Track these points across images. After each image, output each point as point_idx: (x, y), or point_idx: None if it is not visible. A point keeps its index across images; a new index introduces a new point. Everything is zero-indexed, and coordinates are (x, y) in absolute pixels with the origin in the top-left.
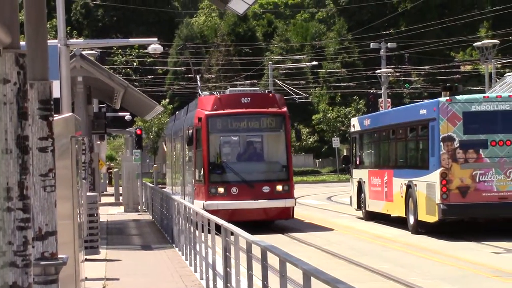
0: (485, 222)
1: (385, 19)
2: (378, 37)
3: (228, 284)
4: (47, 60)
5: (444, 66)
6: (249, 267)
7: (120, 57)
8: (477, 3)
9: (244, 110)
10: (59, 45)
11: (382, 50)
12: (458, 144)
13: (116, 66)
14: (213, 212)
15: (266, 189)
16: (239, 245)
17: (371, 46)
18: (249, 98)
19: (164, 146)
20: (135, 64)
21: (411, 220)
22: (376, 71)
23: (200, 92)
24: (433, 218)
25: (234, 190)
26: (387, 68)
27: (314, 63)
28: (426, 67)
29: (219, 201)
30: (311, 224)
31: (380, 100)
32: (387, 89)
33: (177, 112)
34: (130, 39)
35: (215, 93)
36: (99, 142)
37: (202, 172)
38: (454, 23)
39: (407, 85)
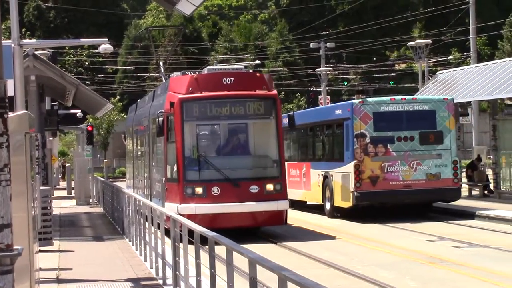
0: (392, 207)
1: (324, 20)
2: (317, 37)
3: (177, 273)
4: (1, 59)
5: (380, 64)
6: (197, 256)
7: (72, 56)
8: (410, 5)
9: (226, 92)
10: (12, 45)
11: (321, 50)
12: (369, 140)
13: (67, 65)
14: (189, 217)
15: (254, 189)
16: (187, 236)
17: (311, 46)
18: (232, 79)
19: (123, 140)
20: (86, 63)
21: (328, 206)
22: (316, 70)
23: (163, 79)
24: (347, 204)
25: (215, 190)
26: (326, 66)
27: (257, 62)
28: (363, 65)
29: (197, 204)
30: None
31: (320, 97)
32: (327, 86)
33: (139, 100)
34: (81, 40)
35: (188, 73)
36: (51, 138)
37: (175, 169)
38: (389, 24)
39: (345, 83)
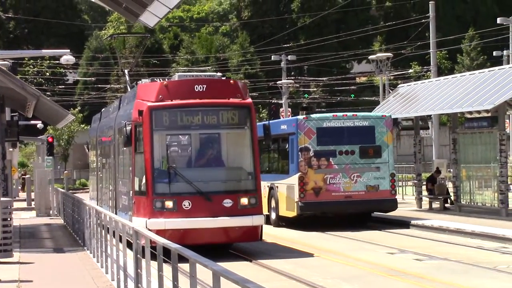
0: (334, 216)
1: (286, 33)
2: (279, 50)
3: (139, 285)
4: None
5: (340, 77)
6: (160, 269)
7: (32, 67)
8: (371, 19)
9: (198, 100)
10: None
11: (282, 62)
12: (313, 154)
13: (27, 76)
14: (159, 232)
15: (227, 202)
16: (149, 248)
17: (272, 58)
18: (205, 86)
19: (87, 150)
20: (47, 74)
21: (273, 216)
22: (278, 82)
23: (129, 88)
24: (292, 214)
25: (186, 204)
26: (287, 79)
27: (219, 74)
28: (324, 78)
29: (167, 219)
30: None
31: (281, 109)
32: (288, 99)
33: (103, 109)
34: (43, 50)
35: (157, 80)
36: (11, 149)
37: (144, 181)
38: (350, 37)
39: (306, 95)
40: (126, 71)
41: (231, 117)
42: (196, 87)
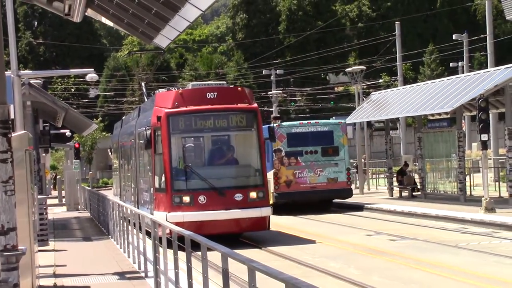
0: (302, 203)
1: (274, 51)
2: (269, 65)
3: (158, 266)
4: (5, 88)
5: (321, 87)
6: (175, 252)
7: (59, 84)
8: (346, 38)
9: (210, 106)
10: (12, 75)
11: (272, 76)
12: (284, 154)
13: (56, 92)
14: (178, 224)
15: (238, 196)
16: (165, 236)
17: (263, 73)
18: (215, 93)
19: (110, 153)
20: (72, 90)
21: None
22: (268, 93)
23: (145, 98)
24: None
25: (201, 199)
26: (276, 90)
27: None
28: (307, 88)
29: (185, 212)
30: None
31: (272, 116)
32: (277, 106)
33: (124, 117)
34: (71, 70)
35: (173, 89)
36: (44, 154)
37: (163, 179)
38: (329, 53)
39: (292, 103)
40: (143, 83)
41: (240, 120)
42: (208, 94)
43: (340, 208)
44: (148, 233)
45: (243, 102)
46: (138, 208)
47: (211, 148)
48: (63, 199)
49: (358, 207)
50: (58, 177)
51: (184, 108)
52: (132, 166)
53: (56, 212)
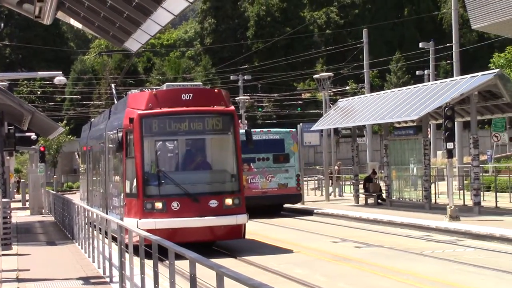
0: (253, 208)
1: (242, 57)
2: (236, 71)
3: (123, 272)
4: None
5: (289, 94)
6: (142, 257)
7: (25, 87)
8: (314, 44)
9: (185, 108)
10: None
11: (239, 81)
12: None
13: (21, 94)
14: (149, 231)
15: (213, 203)
16: (132, 240)
17: (231, 78)
18: (191, 95)
19: (77, 156)
20: (38, 93)
21: None
22: (236, 98)
23: (115, 100)
24: None
25: (174, 205)
26: (244, 95)
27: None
28: (275, 94)
29: (157, 219)
30: None
31: (239, 121)
32: (245, 112)
33: (92, 119)
34: (38, 72)
35: (146, 90)
36: (8, 157)
37: (134, 184)
38: (297, 60)
39: (260, 109)
40: (113, 85)
41: (216, 123)
42: (183, 96)
43: (291, 213)
44: (114, 238)
45: (220, 105)
46: (107, 213)
47: (185, 152)
48: (27, 203)
49: (308, 212)
50: (22, 180)
51: (158, 110)
52: (101, 170)
53: (20, 216)
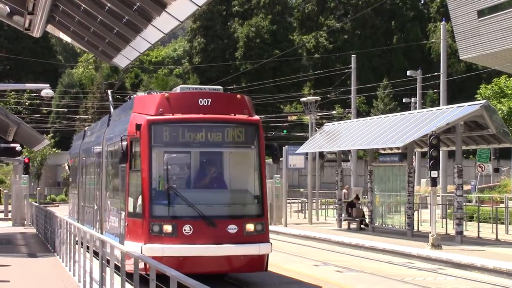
0: None
1: (230, 77)
2: (224, 91)
3: (104, 286)
4: None
5: (275, 116)
6: (122, 273)
7: (12, 98)
8: (302, 68)
9: (202, 116)
10: None
11: None
12: None
13: (8, 105)
14: (156, 259)
15: (232, 228)
16: (114, 255)
17: None
18: (210, 100)
19: (67, 168)
20: (26, 104)
21: None
22: None
23: (112, 108)
24: None
25: (187, 229)
26: None
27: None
28: (261, 116)
29: (165, 245)
30: None
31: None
32: None
33: (87, 127)
34: (26, 84)
35: (154, 93)
36: None
37: (139, 202)
38: (284, 82)
39: None
40: (109, 91)
41: (238, 134)
42: (200, 101)
43: (273, 235)
44: (96, 253)
45: (243, 113)
46: (101, 233)
47: (201, 167)
48: (9, 214)
49: (291, 235)
50: (5, 191)
51: (170, 116)
52: (96, 184)
53: (1, 227)
